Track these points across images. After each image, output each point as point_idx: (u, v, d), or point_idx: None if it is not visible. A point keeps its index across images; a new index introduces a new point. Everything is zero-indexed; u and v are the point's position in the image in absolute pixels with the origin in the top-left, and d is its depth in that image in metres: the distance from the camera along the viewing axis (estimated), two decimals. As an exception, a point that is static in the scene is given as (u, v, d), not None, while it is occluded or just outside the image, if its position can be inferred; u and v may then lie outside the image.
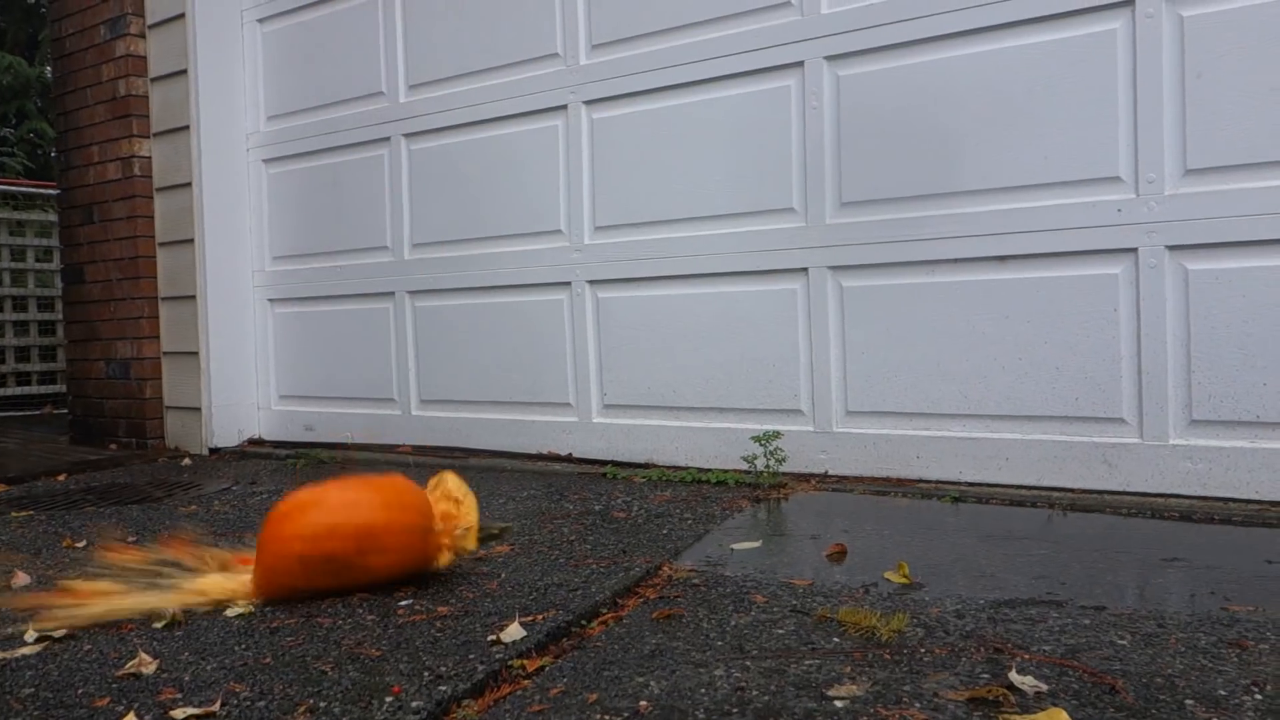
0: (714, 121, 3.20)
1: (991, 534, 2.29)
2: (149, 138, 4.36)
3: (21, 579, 2.19)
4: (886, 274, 2.94)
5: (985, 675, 1.43)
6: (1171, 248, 2.54)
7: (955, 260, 2.82)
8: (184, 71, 4.22)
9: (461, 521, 2.00)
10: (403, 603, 1.90)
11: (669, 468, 3.23)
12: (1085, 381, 2.65)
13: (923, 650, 1.55)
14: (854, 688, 1.41)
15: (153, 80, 4.35)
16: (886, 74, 2.92)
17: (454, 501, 2.03)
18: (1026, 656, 1.50)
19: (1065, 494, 2.61)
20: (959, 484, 2.78)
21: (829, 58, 3.01)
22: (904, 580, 1.94)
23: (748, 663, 1.53)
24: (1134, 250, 2.58)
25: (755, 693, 1.41)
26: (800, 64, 3.05)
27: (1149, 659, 1.47)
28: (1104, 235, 2.61)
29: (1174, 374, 2.55)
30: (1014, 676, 1.41)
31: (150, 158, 4.35)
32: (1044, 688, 1.37)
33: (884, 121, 2.92)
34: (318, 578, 1.91)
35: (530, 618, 1.76)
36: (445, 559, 2.00)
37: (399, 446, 3.92)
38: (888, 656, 1.53)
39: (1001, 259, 2.75)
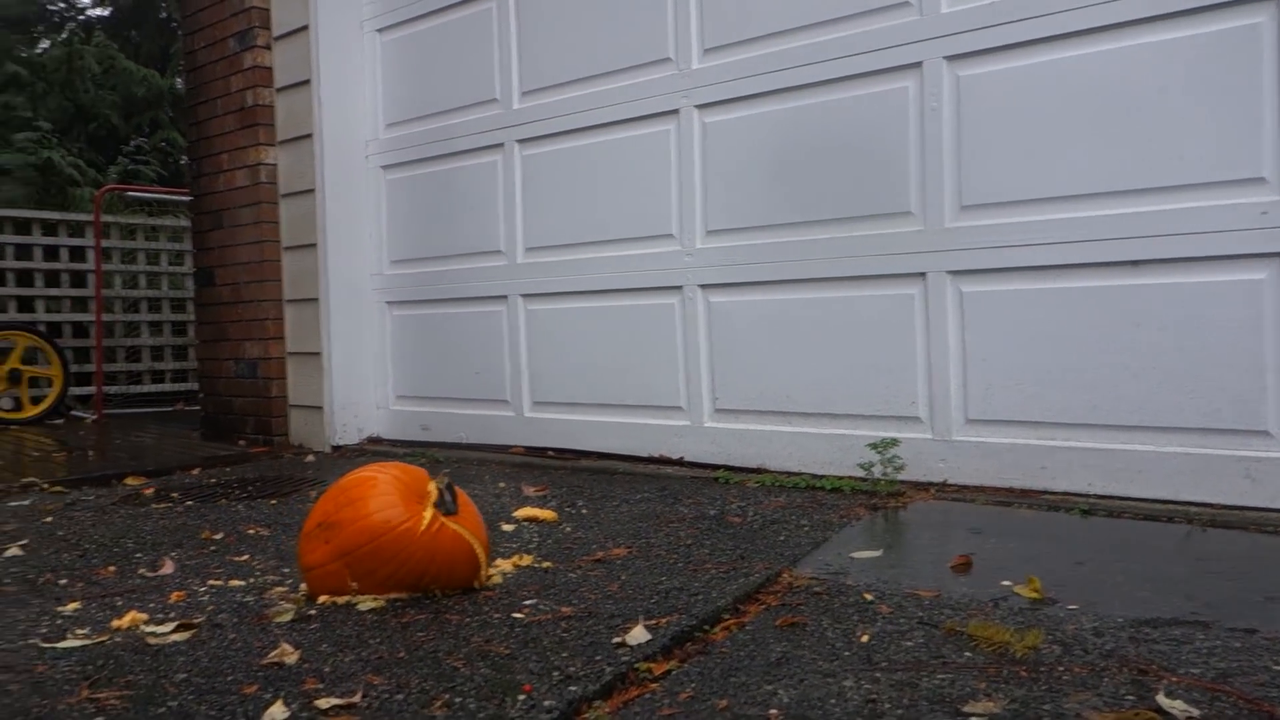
0: (827, 124, 3.17)
1: (1126, 549, 2.20)
2: (275, 146, 4.52)
3: (169, 567, 2.30)
4: (1008, 279, 2.86)
5: (1130, 697, 1.38)
6: (1322, 252, 2.41)
7: (1082, 265, 2.73)
8: (307, 81, 4.36)
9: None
10: (527, 602, 1.93)
11: (782, 473, 3.20)
12: (1224, 392, 2.54)
13: (1061, 668, 1.50)
14: (990, 704, 1.38)
15: (278, 90, 4.52)
16: (1007, 74, 2.84)
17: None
18: (1174, 679, 1.44)
19: (1204, 509, 2.50)
20: (1087, 496, 2.69)
21: (948, 58, 2.95)
22: (1035, 595, 1.88)
23: (877, 674, 1.51)
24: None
25: (888, 705, 1.39)
26: (919, 64, 3.00)
27: (1308, 686, 1.40)
28: (1246, 239, 2.49)
29: (1323, 385, 2.42)
30: (1162, 700, 1.36)
31: (276, 165, 4.52)
32: (1196, 713, 1.31)
33: (1005, 121, 2.85)
34: (314, 536, 1.98)
35: (653, 621, 1.77)
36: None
37: (511, 447, 3.99)
38: (1024, 674, 1.49)
39: (1134, 264, 2.65)
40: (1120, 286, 2.68)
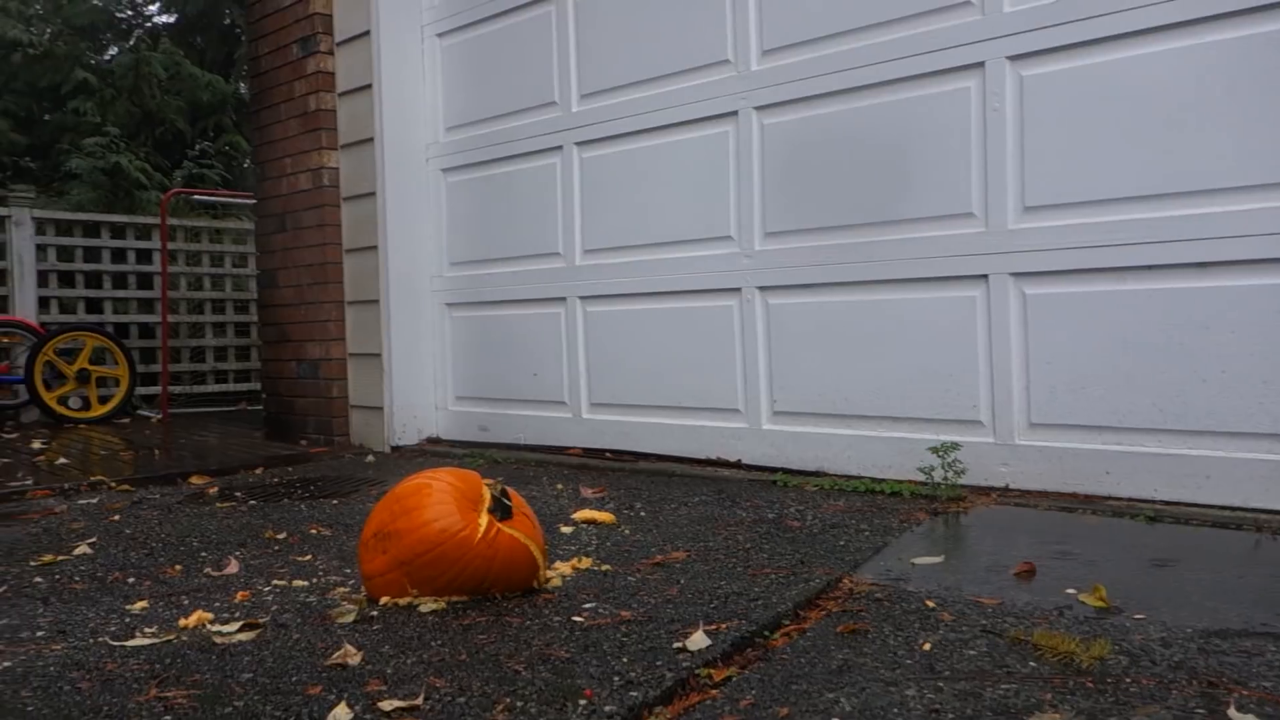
0: (888, 125, 3.14)
1: (1193, 557, 2.16)
2: (337, 149, 4.60)
3: (233, 566, 2.35)
4: (1073, 281, 2.81)
5: (1200, 711, 1.36)
6: (1401, 253, 2.34)
7: (1149, 267, 2.68)
8: (369, 86, 4.43)
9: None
10: (586, 605, 1.95)
11: (840, 476, 3.18)
12: (1298, 397, 2.47)
13: (1128, 680, 1.48)
14: (1056, 716, 1.36)
15: (340, 95, 4.59)
16: (1071, 73, 2.79)
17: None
18: (1245, 692, 1.41)
19: (1274, 516, 2.44)
20: (1153, 502, 2.64)
21: (1011, 58, 2.91)
22: (1100, 603, 1.85)
23: (940, 684, 1.49)
24: (1357, 256, 2.39)
25: (951, 716, 1.37)
26: (981, 65, 2.96)
27: (1388, 703, 1.36)
28: (1322, 240, 2.43)
29: (1403, 390, 2.35)
30: (1233, 714, 1.33)
31: (338, 169, 4.59)
32: (1270, 728, 1.29)
33: (1069, 121, 2.80)
34: (372, 545, 2.01)
35: (713, 626, 1.77)
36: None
37: (569, 449, 4.01)
38: (1090, 685, 1.47)
39: (1201, 266, 2.60)
40: (1188, 289, 2.62)
